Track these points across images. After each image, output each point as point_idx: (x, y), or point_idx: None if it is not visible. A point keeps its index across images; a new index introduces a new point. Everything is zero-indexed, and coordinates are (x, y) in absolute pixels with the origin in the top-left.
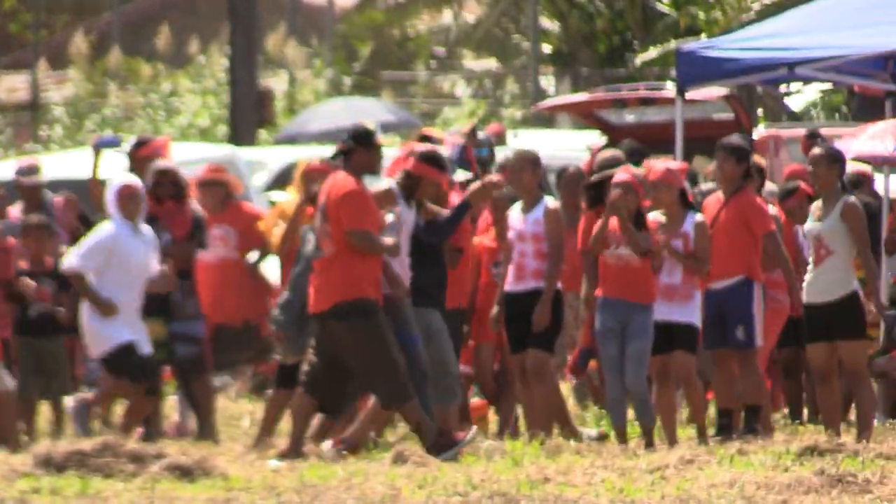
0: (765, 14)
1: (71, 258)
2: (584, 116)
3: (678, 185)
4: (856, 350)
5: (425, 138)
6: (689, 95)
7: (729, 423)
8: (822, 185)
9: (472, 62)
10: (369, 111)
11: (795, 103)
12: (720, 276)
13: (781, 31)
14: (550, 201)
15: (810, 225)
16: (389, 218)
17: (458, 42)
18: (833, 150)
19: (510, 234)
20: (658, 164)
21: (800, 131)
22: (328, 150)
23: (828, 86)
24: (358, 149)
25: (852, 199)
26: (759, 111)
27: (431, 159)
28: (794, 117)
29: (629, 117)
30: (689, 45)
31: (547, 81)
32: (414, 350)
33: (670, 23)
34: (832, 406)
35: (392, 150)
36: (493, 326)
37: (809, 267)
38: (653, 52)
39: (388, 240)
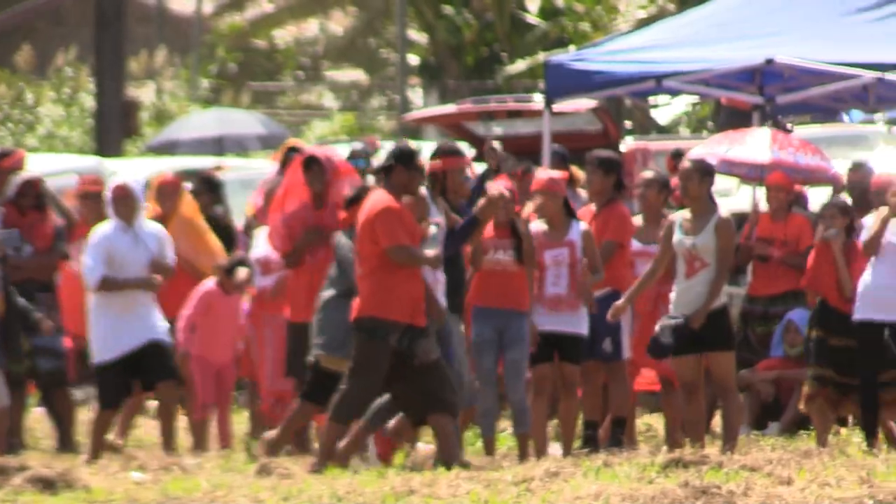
0: (635, 27)
1: (86, 275)
2: (452, 128)
3: (562, 194)
4: (725, 362)
5: (293, 150)
6: (556, 107)
7: (594, 434)
8: (694, 197)
9: (338, 73)
10: (241, 123)
11: (663, 116)
12: None
13: (650, 44)
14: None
15: (679, 237)
16: (432, 230)
17: (324, 53)
18: (705, 163)
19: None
20: (541, 174)
21: (668, 144)
22: (197, 161)
23: (695, 98)
24: (398, 167)
25: (725, 214)
26: (628, 124)
27: (447, 151)
28: (662, 130)
29: (497, 129)
30: (558, 56)
31: (414, 93)
32: (454, 363)
33: (539, 34)
34: (697, 418)
35: (264, 162)
36: None
37: (679, 278)
38: (521, 65)
39: (429, 252)
